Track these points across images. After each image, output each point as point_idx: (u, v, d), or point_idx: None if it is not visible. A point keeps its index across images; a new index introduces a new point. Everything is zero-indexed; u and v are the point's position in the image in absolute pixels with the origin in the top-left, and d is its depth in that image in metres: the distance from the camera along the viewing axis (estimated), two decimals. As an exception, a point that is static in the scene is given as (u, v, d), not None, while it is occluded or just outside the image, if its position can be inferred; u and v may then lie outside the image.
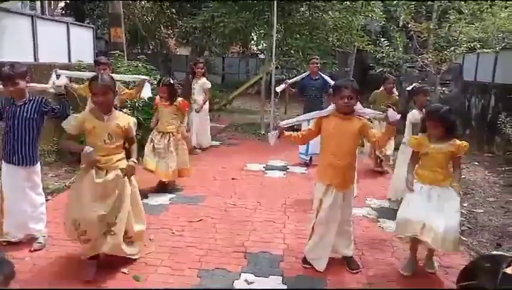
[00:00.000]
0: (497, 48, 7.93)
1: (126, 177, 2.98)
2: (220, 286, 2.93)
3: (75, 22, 9.12)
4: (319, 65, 6.46)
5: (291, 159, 6.69)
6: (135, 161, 3.07)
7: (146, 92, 4.79)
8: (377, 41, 9.27)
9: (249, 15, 9.04)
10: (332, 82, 6.26)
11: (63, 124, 2.93)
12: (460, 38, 7.92)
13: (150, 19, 14.97)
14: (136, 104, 6.09)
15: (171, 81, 4.86)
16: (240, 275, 3.07)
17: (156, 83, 5.41)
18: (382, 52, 8.81)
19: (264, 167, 6.29)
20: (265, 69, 9.69)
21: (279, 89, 6.49)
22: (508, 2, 8.32)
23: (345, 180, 3.12)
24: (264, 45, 10.22)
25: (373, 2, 9.86)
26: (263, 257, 3.37)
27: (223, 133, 9.17)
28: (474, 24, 8.05)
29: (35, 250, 3.28)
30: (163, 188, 4.95)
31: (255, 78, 13.38)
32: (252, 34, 10.92)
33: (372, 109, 5.68)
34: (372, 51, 9.44)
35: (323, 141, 3.21)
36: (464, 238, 3.91)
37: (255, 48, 18.09)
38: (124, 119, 3.04)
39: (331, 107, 3.25)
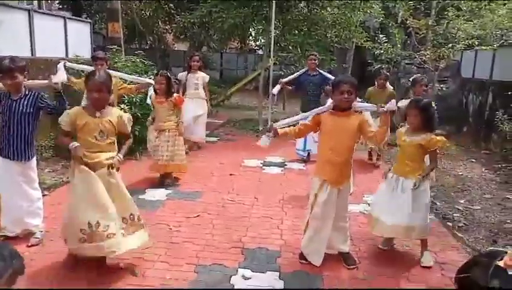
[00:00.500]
0: (495, 45, 7.94)
1: (110, 171, 2.89)
2: (217, 281, 2.93)
3: (72, 17, 9.09)
4: (317, 61, 6.45)
5: (289, 155, 6.69)
6: (121, 156, 2.98)
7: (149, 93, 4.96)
8: (376, 38, 9.25)
9: (247, 10, 9.01)
10: (332, 77, 6.27)
11: (59, 120, 2.91)
12: (459, 35, 7.93)
13: (148, 14, 14.92)
14: (134, 99, 6.06)
15: (168, 74, 4.86)
16: (237, 270, 3.08)
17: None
18: (380, 49, 8.82)
19: (261, 163, 6.29)
20: (263, 65, 9.67)
21: (275, 90, 6.44)
22: (506, -1, 8.33)
23: (341, 176, 3.13)
24: (262, 40, 10.18)
25: (371, -2, 9.85)
26: (260, 252, 3.38)
27: (221, 129, 9.17)
28: (472, 21, 8.05)
29: (32, 245, 3.28)
30: (162, 182, 4.98)
31: (253, 74, 13.33)
32: (250, 30, 10.88)
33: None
34: (370, 48, 9.45)
35: (321, 137, 3.22)
36: (460, 235, 3.93)
37: (253, 44, 18.03)
38: (116, 115, 2.98)
39: (329, 102, 3.25)
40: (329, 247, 3.25)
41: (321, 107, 3.31)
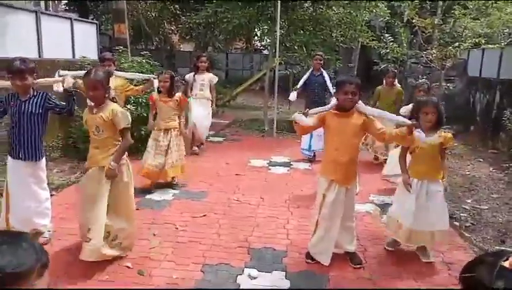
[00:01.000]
0: (503, 44, 7.88)
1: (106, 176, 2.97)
2: (223, 280, 2.95)
3: (78, 18, 9.13)
4: (322, 61, 6.45)
5: (294, 155, 6.68)
6: (112, 164, 2.95)
7: (155, 87, 4.95)
8: (381, 37, 9.22)
9: (252, 11, 9.01)
10: (329, 81, 6.31)
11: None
12: (465, 34, 7.87)
13: (154, 14, 14.99)
14: (140, 100, 6.10)
15: (173, 73, 4.92)
16: (243, 270, 3.09)
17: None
18: (386, 48, 8.78)
19: (267, 163, 6.30)
20: (269, 65, 9.67)
21: (292, 98, 6.51)
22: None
23: (348, 175, 3.13)
24: (268, 40, 10.14)
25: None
26: (266, 252, 3.39)
27: (227, 129, 9.18)
28: (479, 19, 8.00)
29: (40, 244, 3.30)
30: (168, 184, 4.97)
31: (259, 74, 13.37)
32: (256, 30, 10.86)
33: (377, 106, 5.74)
34: (376, 47, 9.40)
35: (326, 136, 3.22)
36: (467, 235, 3.91)
37: (259, 44, 18.01)
38: (108, 110, 3.00)
39: (334, 101, 3.25)
40: (336, 246, 3.26)
41: (324, 107, 3.32)
